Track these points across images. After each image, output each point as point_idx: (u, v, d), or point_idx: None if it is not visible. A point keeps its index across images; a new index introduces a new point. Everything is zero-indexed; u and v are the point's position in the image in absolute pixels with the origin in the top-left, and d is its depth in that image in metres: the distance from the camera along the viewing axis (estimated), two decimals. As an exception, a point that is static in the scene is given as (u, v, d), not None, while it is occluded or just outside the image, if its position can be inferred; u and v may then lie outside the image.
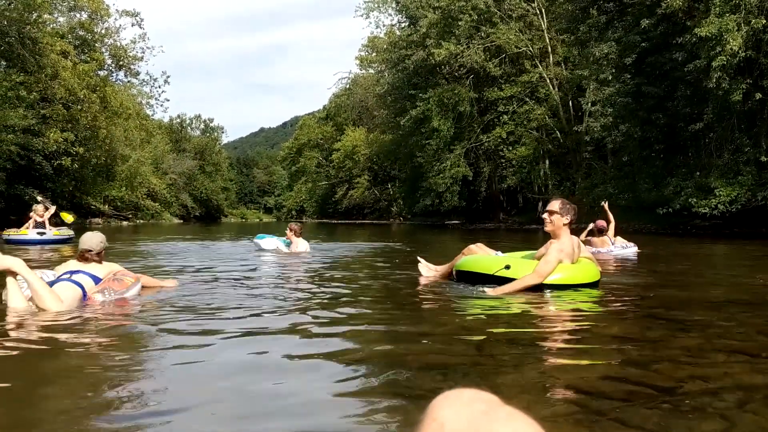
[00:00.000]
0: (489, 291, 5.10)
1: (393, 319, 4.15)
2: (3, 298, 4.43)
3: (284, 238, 11.19)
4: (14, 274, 4.29)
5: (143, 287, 5.18)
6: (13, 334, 3.56)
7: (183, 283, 5.96)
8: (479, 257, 5.86)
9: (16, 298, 4.26)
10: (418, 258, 6.69)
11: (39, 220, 14.19)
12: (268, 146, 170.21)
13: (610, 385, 2.45)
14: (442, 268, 6.34)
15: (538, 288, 5.10)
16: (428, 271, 6.46)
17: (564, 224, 5.35)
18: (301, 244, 10.99)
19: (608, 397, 2.28)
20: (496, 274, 5.32)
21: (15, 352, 3.05)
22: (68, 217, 15.97)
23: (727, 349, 3.10)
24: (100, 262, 4.98)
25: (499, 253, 6.11)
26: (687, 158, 23.90)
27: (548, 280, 5.11)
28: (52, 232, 13.82)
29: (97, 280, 4.78)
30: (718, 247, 13.43)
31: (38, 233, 13.64)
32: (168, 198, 67.90)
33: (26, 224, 14.17)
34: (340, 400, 2.33)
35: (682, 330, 3.60)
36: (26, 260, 4.45)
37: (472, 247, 6.22)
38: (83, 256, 4.90)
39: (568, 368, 2.73)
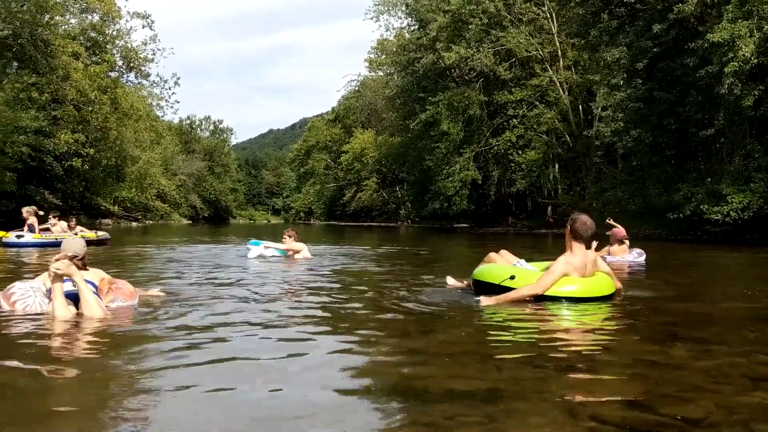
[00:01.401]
0: (484, 300, 5.12)
1: (406, 336, 4.10)
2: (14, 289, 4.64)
3: (278, 247, 11.03)
4: (60, 279, 4.36)
5: None
6: (57, 341, 3.57)
7: (186, 292, 5.94)
8: (491, 266, 5.82)
9: (61, 307, 4.34)
10: (447, 278, 6.65)
11: (29, 222, 14.02)
12: (277, 148, 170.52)
13: (636, 415, 2.41)
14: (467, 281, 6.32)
15: (542, 299, 5.08)
16: (455, 282, 6.42)
17: (569, 235, 5.37)
18: (302, 249, 10.97)
19: (635, 429, 2.24)
20: (501, 284, 5.33)
21: (38, 362, 3.05)
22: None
23: (753, 374, 3.04)
24: (86, 268, 4.95)
25: (522, 261, 6.05)
26: (698, 164, 23.75)
27: (555, 292, 5.09)
28: (31, 236, 13.38)
29: (95, 287, 4.80)
30: (731, 255, 13.32)
31: (16, 236, 13.34)
32: (177, 199, 68.21)
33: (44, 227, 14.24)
34: (351, 424, 2.32)
35: (704, 351, 3.54)
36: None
37: (492, 254, 6.17)
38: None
39: (592, 395, 2.68)
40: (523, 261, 6.07)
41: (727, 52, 18.43)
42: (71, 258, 4.83)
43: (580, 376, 3.03)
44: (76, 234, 14.17)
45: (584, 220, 5.36)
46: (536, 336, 4.06)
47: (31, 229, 13.73)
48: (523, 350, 3.61)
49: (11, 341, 3.79)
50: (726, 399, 2.60)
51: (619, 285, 5.72)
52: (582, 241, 5.36)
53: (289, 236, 11.08)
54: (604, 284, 5.38)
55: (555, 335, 4.11)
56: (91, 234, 14.74)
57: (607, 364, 3.35)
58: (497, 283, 5.37)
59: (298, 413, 2.46)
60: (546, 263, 5.84)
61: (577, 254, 5.32)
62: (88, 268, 5.00)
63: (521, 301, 5.12)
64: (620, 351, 3.66)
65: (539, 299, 5.10)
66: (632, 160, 29.04)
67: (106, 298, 4.79)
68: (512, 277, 5.31)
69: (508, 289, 5.26)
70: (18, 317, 4.35)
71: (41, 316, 4.37)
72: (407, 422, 2.35)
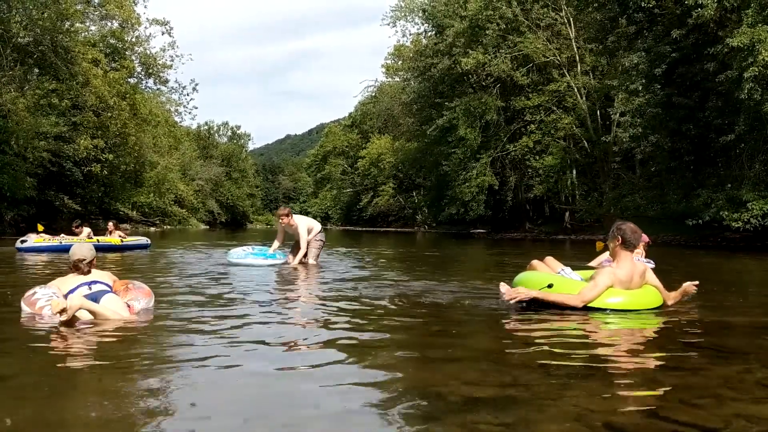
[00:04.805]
0: (522, 289, 5.02)
1: (423, 341, 4.10)
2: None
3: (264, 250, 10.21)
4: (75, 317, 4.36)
5: None
6: (86, 342, 3.63)
7: (202, 294, 5.97)
8: (530, 274, 5.67)
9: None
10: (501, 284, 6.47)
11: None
12: (294, 153, 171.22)
13: (652, 423, 2.39)
14: None
15: (586, 308, 4.91)
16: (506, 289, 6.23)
17: (616, 247, 5.15)
18: (306, 227, 9.95)
19: (651, 438, 2.23)
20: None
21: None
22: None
23: (772, 383, 3.02)
24: (90, 271, 4.96)
25: (567, 269, 5.87)
26: (717, 170, 23.54)
27: (596, 303, 4.92)
28: (32, 240, 13.34)
29: (108, 287, 4.85)
30: (751, 262, 13.17)
31: (21, 240, 13.37)
32: (195, 204, 68.63)
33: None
34: (363, 429, 2.32)
35: (722, 359, 3.51)
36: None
37: (534, 261, 6.00)
38: (76, 266, 4.89)
39: (607, 402, 2.66)
40: (568, 269, 5.87)
41: (746, 57, 18.27)
42: (78, 261, 4.87)
43: (596, 383, 3.01)
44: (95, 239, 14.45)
45: (634, 229, 5.15)
46: (553, 343, 4.04)
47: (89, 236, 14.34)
48: (540, 358, 3.60)
49: (40, 343, 3.85)
50: (744, 408, 2.57)
51: (671, 298, 5.42)
52: (631, 251, 5.16)
53: (285, 215, 10.03)
54: (650, 297, 5.15)
55: (572, 343, 4.09)
56: (115, 240, 14.84)
57: (624, 371, 3.33)
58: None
59: (308, 417, 2.47)
60: (591, 272, 5.68)
61: (623, 266, 5.10)
62: (92, 270, 5.00)
63: (545, 310, 5.02)
64: (637, 358, 3.64)
65: (578, 309, 4.93)
66: (651, 166, 28.84)
67: (125, 297, 4.85)
68: (550, 286, 5.13)
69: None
70: (46, 321, 4.43)
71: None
72: (420, 428, 2.35)
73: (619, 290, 5.01)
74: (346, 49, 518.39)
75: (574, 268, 5.99)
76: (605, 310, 4.92)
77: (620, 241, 5.13)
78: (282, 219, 10.12)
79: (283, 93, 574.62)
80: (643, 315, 4.95)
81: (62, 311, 4.17)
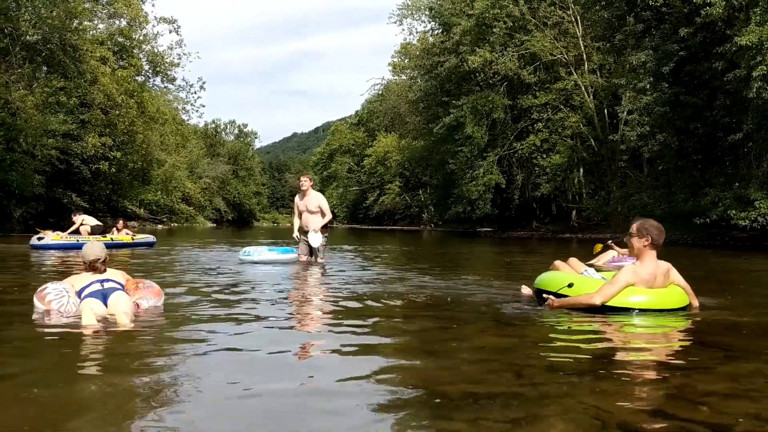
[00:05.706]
0: (554, 302, 5.08)
1: (432, 340, 4.11)
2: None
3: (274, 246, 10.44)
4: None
5: None
6: (90, 341, 3.66)
7: (209, 292, 6.00)
8: (551, 274, 5.63)
9: (88, 317, 4.34)
10: (522, 287, 6.31)
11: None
12: (300, 151, 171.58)
13: (659, 422, 2.40)
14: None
15: (605, 309, 4.82)
16: (529, 291, 6.08)
17: (644, 246, 5.00)
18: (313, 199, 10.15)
19: (660, 436, 2.24)
20: (559, 292, 5.16)
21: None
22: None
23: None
24: (105, 270, 5.02)
25: (591, 270, 5.81)
26: (725, 168, 23.45)
27: (620, 302, 4.83)
28: (50, 238, 13.48)
29: (121, 286, 4.89)
30: (759, 261, 13.13)
31: (37, 238, 13.48)
32: (202, 202, 68.89)
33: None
34: (370, 427, 2.34)
35: (731, 358, 3.51)
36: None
37: (557, 262, 5.93)
38: (93, 266, 4.95)
39: (615, 401, 2.67)
40: (591, 270, 5.83)
41: (755, 56, 18.21)
42: (94, 261, 4.92)
43: (604, 381, 3.01)
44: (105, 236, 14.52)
45: (659, 227, 5.02)
46: (561, 342, 4.05)
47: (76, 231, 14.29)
48: (547, 356, 3.61)
49: (48, 339, 3.88)
50: (751, 407, 2.57)
51: (695, 302, 5.30)
52: (657, 249, 5.04)
53: (309, 178, 10.33)
54: (675, 297, 5.05)
55: (580, 341, 4.09)
56: (126, 237, 14.98)
57: (632, 369, 3.34)
58: (555, 291, 5.21)
59: (316, 415, 2.49)
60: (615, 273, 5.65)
61: (647, 265, 5.00)
62: (107, 269, 5.06)
63: (562, 310, 4.99)
64: (645, 357, 3.64)
65: (598, 310, 4.84)
66: (658, 165, 28.74)
67: (134, 296, 4.89)
68: (570, 285, 5.11)
69: (564, 297, 5.10)
70: (54, 317, 4.48)
71: (75, 316, 4.47)
72: (428, 426, 2.36)
73: (643, 289, 4.92)
74: (348, 50, 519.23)
75: (598, 270, 5.93)
76: (632, 310, 4.82)
77: (649, 241, 4.98)
78: (303, 183, 10.20)
79: (285, 92, 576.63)
80: (652, 315, 4.91)
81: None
